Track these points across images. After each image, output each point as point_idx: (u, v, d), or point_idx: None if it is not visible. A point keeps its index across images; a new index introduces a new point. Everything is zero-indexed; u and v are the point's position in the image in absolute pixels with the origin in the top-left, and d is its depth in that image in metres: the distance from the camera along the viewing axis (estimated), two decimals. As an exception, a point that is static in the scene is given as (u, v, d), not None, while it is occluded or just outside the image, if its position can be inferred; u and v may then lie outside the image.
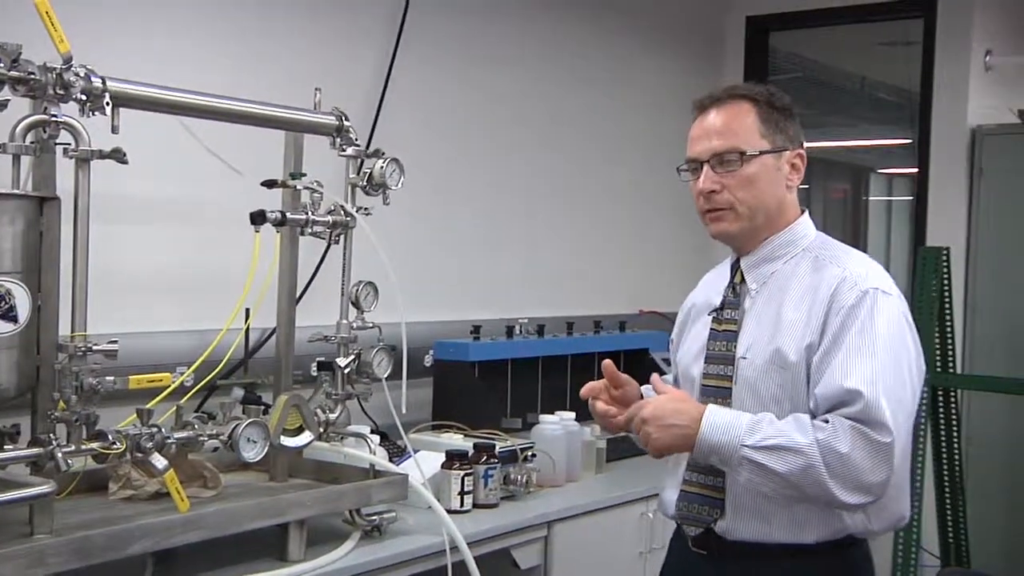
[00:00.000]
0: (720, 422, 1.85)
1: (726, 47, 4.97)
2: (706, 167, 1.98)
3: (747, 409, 1.91)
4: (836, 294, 1.90)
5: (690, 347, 2.12)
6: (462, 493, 2.66)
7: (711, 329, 2.05)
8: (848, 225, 6.12)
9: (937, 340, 3.93)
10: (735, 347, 1.99)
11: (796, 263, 2.01)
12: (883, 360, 1.84)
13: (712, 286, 2.14)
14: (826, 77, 5.50)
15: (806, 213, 2.07)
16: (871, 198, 6.27)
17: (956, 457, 4.04)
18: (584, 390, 2.09)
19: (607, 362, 2.04)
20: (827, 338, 1.88)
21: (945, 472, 4.03)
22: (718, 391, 1.98)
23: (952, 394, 4.03)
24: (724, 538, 1.98)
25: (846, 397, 1.82)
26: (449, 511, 2.49)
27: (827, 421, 1.82)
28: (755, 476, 1.83)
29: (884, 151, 5.73)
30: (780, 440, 1.81)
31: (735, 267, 2.07)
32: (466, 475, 2.67)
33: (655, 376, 2.03)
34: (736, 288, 2.05)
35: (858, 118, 5.69)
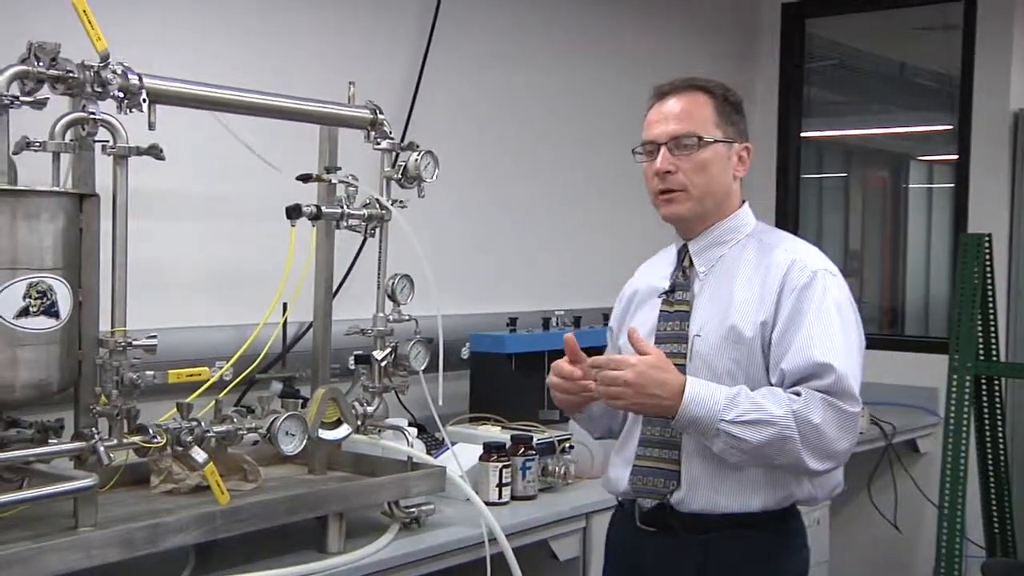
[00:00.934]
0: (700, 397, 1.92)
1: (762, 36, 4.92)
2: (663, 149, 2.08)
3: None
4: (788, 275, 2.02)
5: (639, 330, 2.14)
6: (500, 485, 2.66)
7: (662, 311, 2.14)
8: (888, 213, 6.03)
9: (980, 328, 3.87)
10: (688, 326, 2.07)
11: (742, 247, 2.12)
12: (842, 336, 1.97)
13: (654, 272, 2.24)
14: (864, 63, 5.42)
15: (747, 203, 2.18)
16: (911, 185, 6.18)
17: (1000, 446, 3.98)
18: (556, 369, 2.09)
19: (569, 336, 2.09)
20: (783, 316, 1.99)
21: (989, 461, 3.98)
22: None
23: (996, 382, 3.98)
24: (677, 510, 2.04)
25: (816, 370, 1.92)
26: (487, 503, 2.50)
27: (798, 394, 1.91)
28: (730, 447, 1.92)
29: (924, 138, 5.64)
30: (758, 415, 1.90)
31: (682, 252, 2.16)
32: (504, 467, 2.67)
33: (634, 332, 2.02)
34: (686, 271, 2.14)
35: (897, 104, 5.61)
